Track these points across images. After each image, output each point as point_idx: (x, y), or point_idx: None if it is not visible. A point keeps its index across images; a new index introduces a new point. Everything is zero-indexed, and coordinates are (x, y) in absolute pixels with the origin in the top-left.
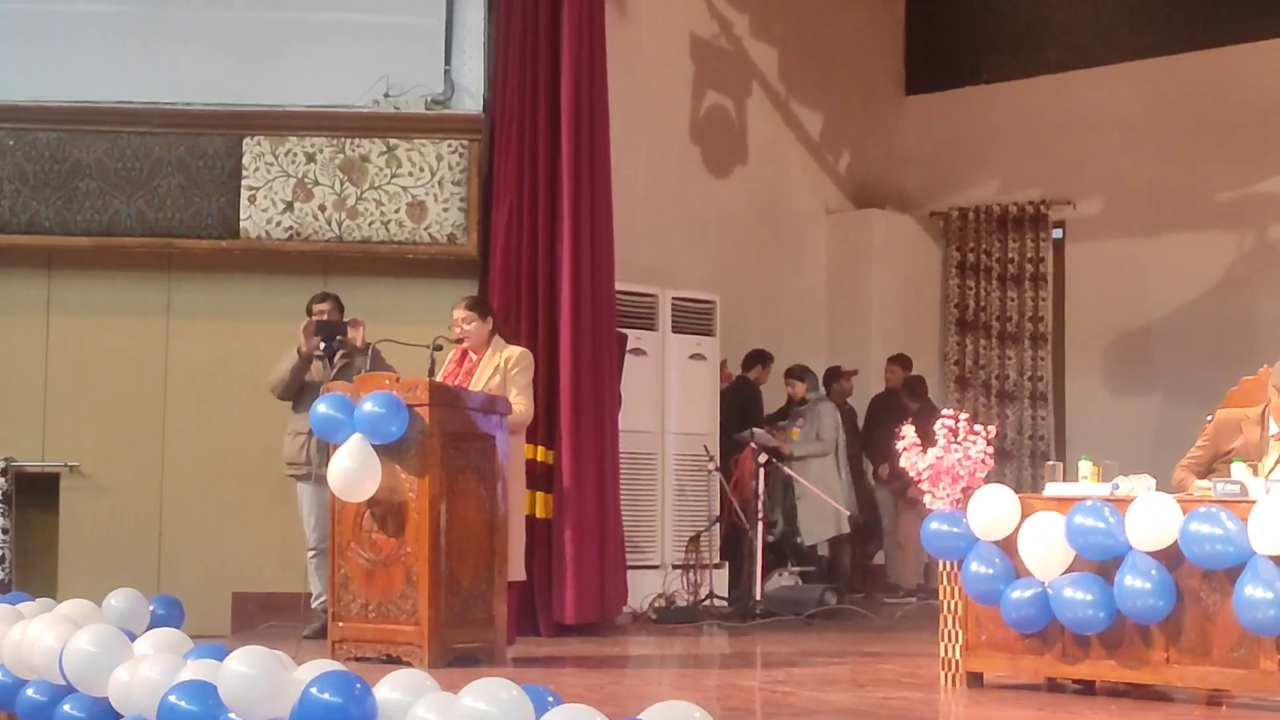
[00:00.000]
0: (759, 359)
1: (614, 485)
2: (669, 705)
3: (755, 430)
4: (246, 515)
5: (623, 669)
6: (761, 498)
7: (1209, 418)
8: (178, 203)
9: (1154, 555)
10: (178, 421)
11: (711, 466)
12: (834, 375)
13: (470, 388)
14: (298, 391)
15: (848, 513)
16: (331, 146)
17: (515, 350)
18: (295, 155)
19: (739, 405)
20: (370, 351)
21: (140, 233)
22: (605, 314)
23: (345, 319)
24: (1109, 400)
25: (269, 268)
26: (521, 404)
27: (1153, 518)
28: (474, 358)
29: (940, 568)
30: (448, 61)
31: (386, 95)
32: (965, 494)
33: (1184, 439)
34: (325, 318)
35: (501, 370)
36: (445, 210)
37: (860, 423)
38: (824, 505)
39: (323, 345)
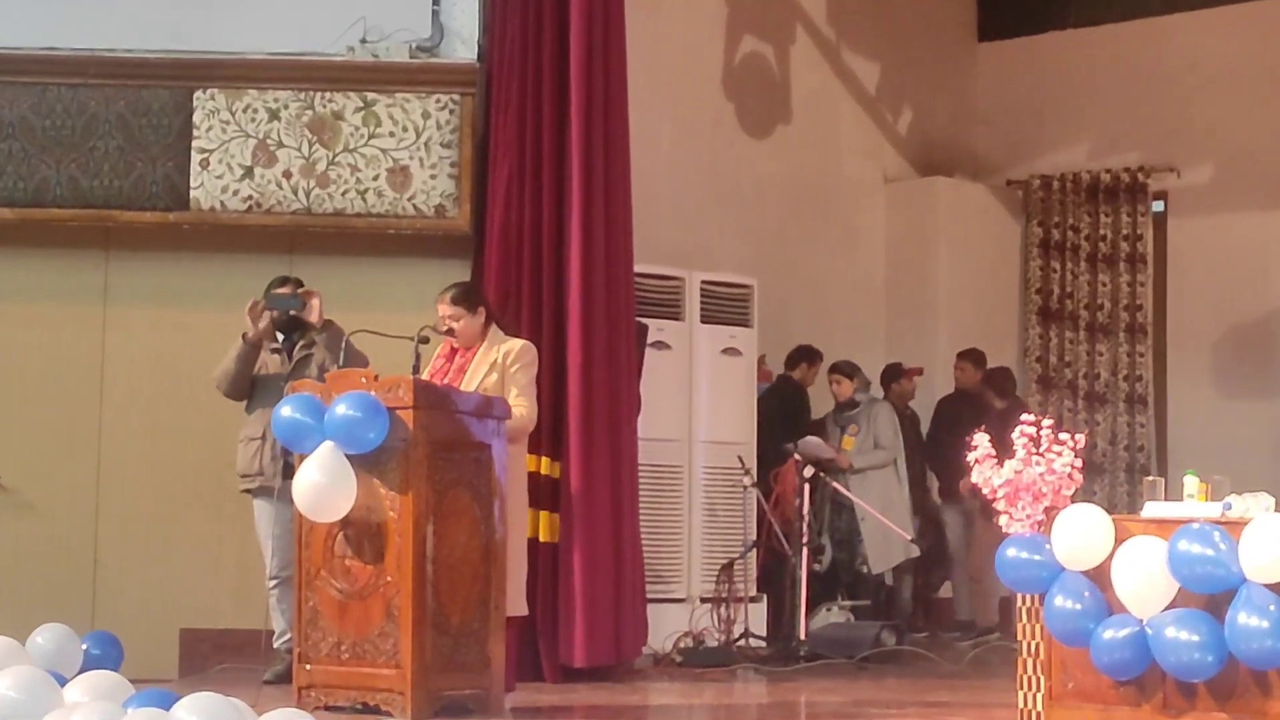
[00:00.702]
0: (804, 356)
1: (632, 503)
2: None
3: (809, 439)
4: (197, 538)
5: None
6: (807, 518)
7: None
8: (116, 168)
9: (1273, 588)
10: (116, 427)
11: (748, 482)
12: (893, 374)
13: (462, 387)
14: (249, 387)
15: (909, 536)
16: (298, 101)
17: (516, 344)
18: (255, 112)
19: (782, 410)
20: (344, 344)
21: (72, 204)
22: (622, 301)
23: (299, 290)
24: (1219, 404)
25: (224, 245)
26: (523, 407)
27: (1272, 544)
28: (465, 353)
29: (1018, 602)
30: (436, 1)
31: (364, 41)
32: (1048, 515)
33: None
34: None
35: (499, 367)
36: (433, 177)
37: (924, 430)
38: (884, 527)
39: (279, 334)
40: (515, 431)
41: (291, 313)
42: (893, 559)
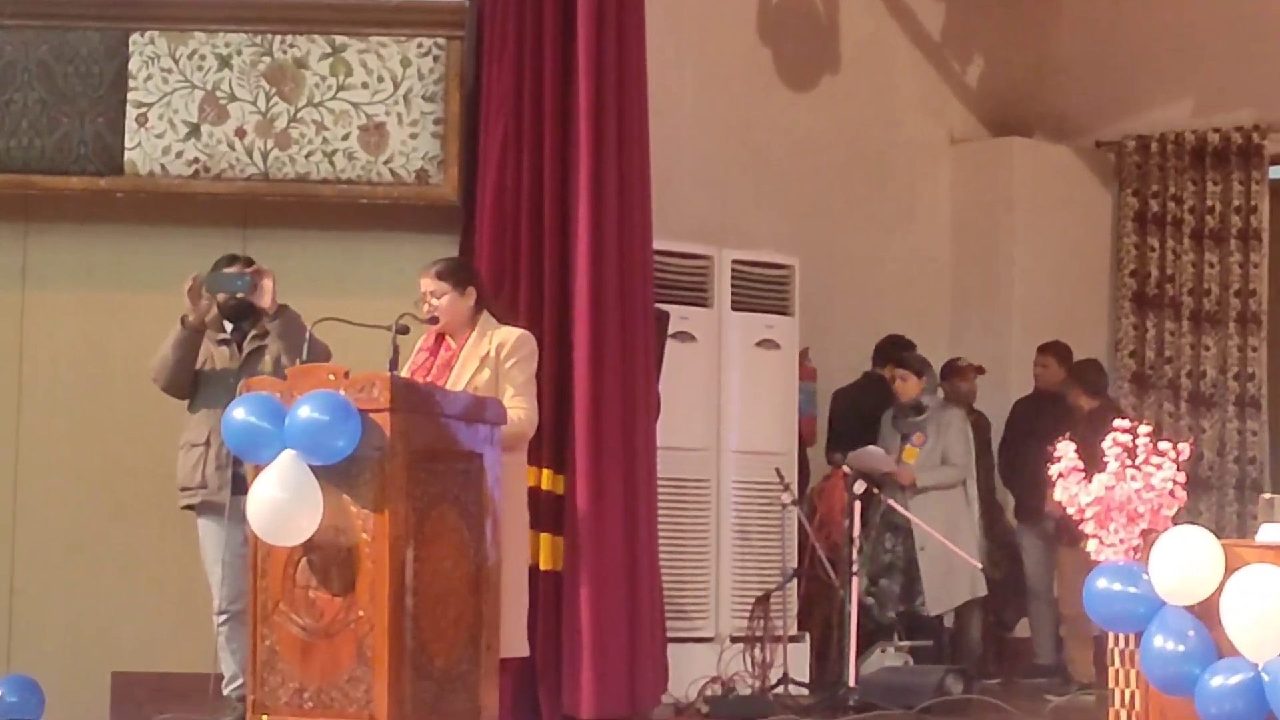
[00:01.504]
0: (896, 350)
1: (649, 525)
2: None
3: (868, 449)
4: (133, 563)
5: None
6: (857, 542)
7: None
8: (37, 125)
9: None
10: (36, 432)
11: (787, 499)
12: (949, 372)
13: (449, 385)
14: (192, 382)
15: (979, 565)
16: (254, 46)
17: (511, 333)
18: (203, 58)
19: (860, 417)
20: (307, 335)
21: None
22: (638, 284)
23: (248, 269)
24: None
25: (165, 217)
26: (521, 409)
27: None
28: (453, 344)
29: (1109, 643)
30: None
31: None
32: (1145, 539)
33: None
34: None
35: (492, 362)
36: (414, 137)
37: (996, 438)
38: (949, 556)
39: (226, 323)
40: (512, 438)
41: (239, 296)
42: (955, 598)
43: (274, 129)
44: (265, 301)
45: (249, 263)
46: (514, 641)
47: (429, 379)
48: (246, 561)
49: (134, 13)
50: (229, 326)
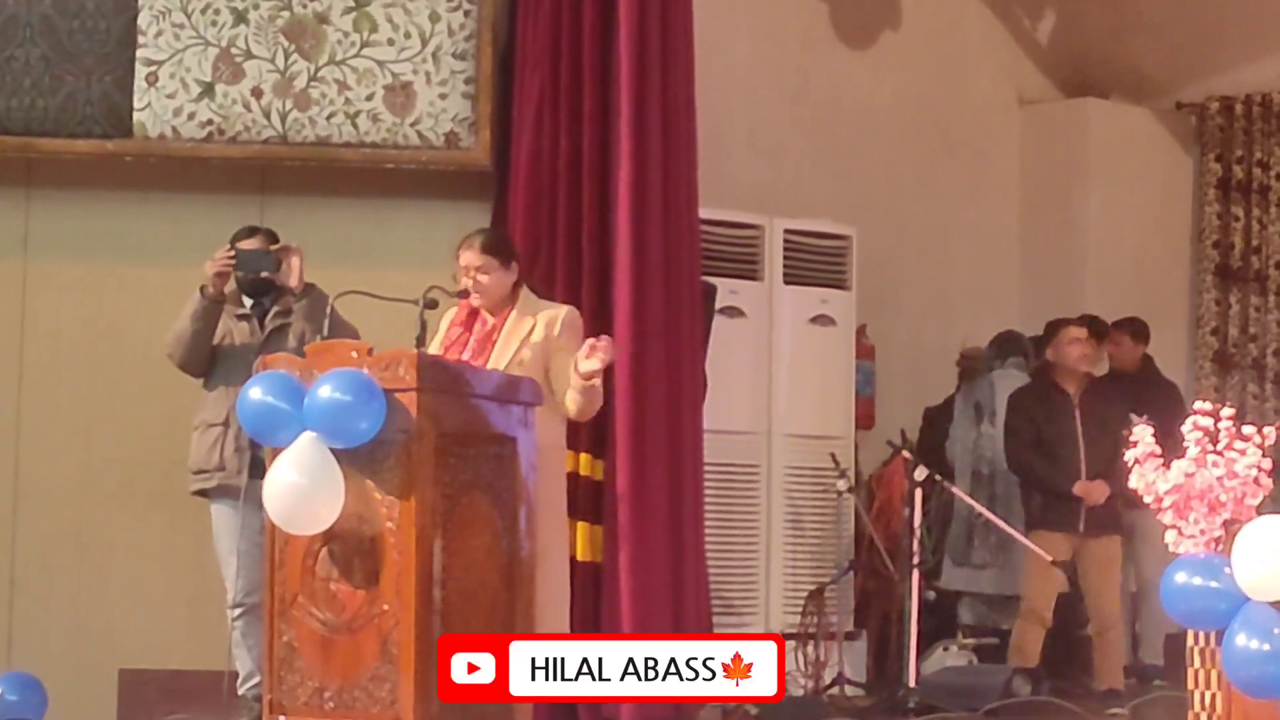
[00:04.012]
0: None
1: (695, 514)
2: None
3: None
4: (141, 553)
5: None
6: (918, 533)
7: None
8: (40, 84)
9: None
10: (38, 413)
11: (843, 486)
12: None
13: (490, 364)
14: (210, 358)
15: (1049, 558)
16: (272, 1)
17: (560, 311)
18: (217, 13)
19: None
20: (328, 310)
21: None
22: (684, 255)
23: (274, 246)
24: None
25: (177, 182)
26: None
27: None
28: (489, 320)
29: (1189, 641)
30: None
31: None
32: (1227, 530)
33: None
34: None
35: (538, 344)
36: (443, 97)
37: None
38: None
39: (246, 298)
40: (590, 412)
41: (264, 274)
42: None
43: (293, 89)
44: (293, 281)
45: (272, 236)
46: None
47: (465, 355)
48: (263, 551)
49: None
50: (248, 302)
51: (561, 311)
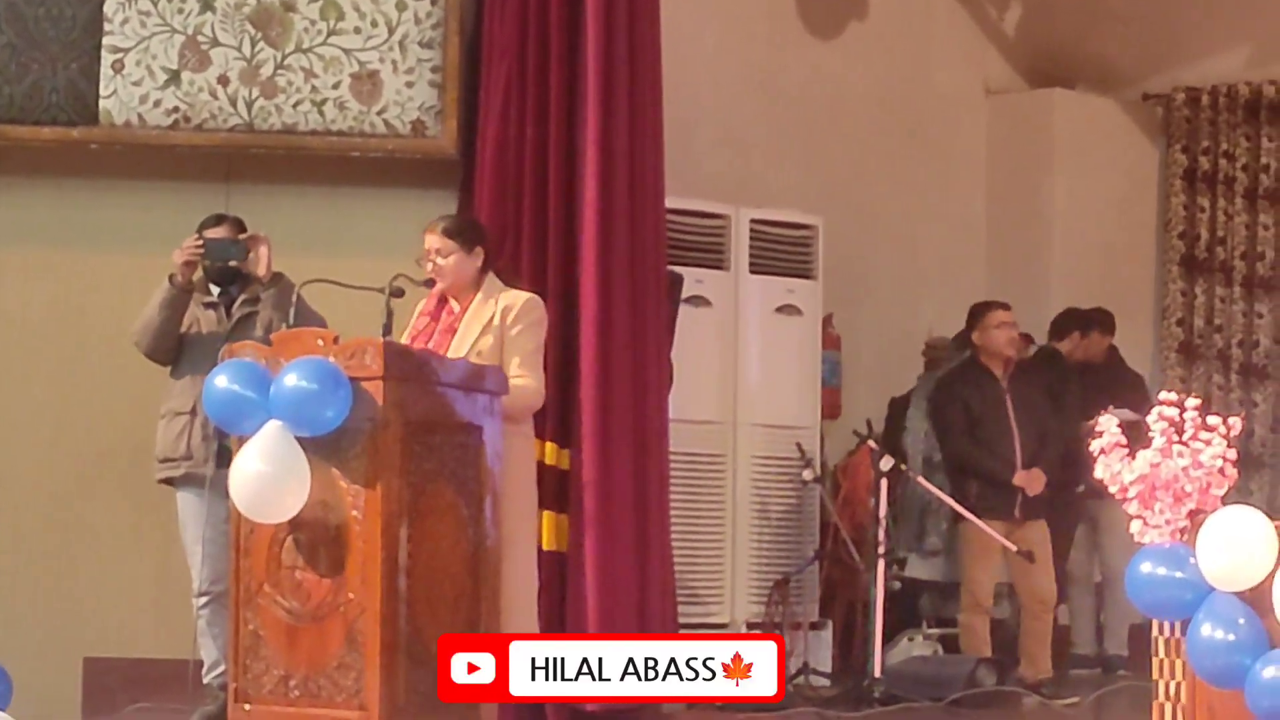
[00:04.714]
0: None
1: (660, 503)
2: None
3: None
4: (107, 541)
5: None
6: (884, 522)
7: None
8: (5, 71)
9: None
10: (3, 400)
11: (809, 476)
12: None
13: (449, 353)
14: (176, 346)
15: (1014, 548)
16: None
17: (518, 297)
18: (184, 1)
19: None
20: (294, 297)
21: None
22: (650, 245)
23: (242, 235)
24: None
25: (143, 170)
26: (528, 379)
27: None
28: (456, 308)
29: (1154, 631)
30: None
31: None
32: (1193, 520)
33: None
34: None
35: (496, 328)
36: (410, 86)
37: None
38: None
39: (213, 286)
40: (518, 411)
41: (231, 263)
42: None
43: (259, 76)
44: (260, 270)
45: (240, 225)
46: (523, 626)
47: (430, 345)
48: (229, 540)
49: None
50: (215, 290)
51: (519, 299)
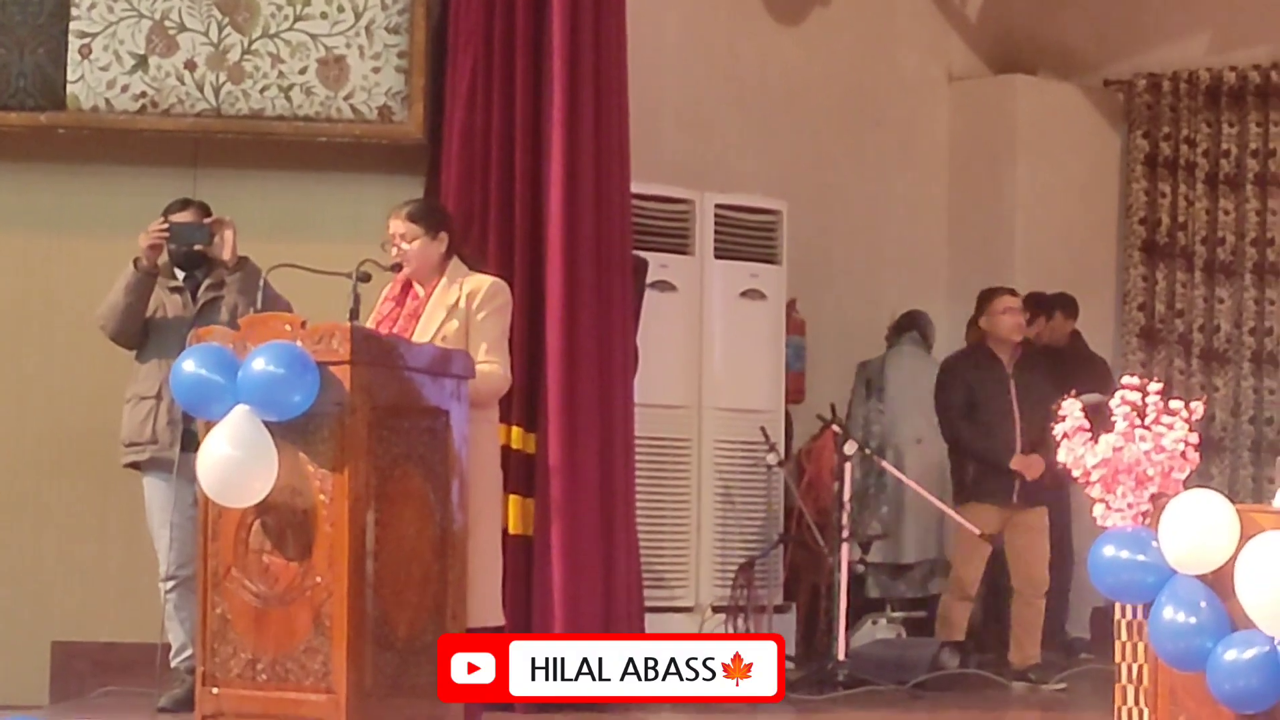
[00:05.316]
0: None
1: (626, 487)
2: None
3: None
4: (73, 525)
5: None
6: (848, 506)
7: None
8: None
9: None
10: None
11: (773, 460)
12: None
13: (414, 337)
14: (141, 330)
15: (977, 531)
16: None
17: (483, 281)
18: None
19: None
20: (261, 282)
21: None
22: (615, 229)
23: (207, 219)
24: None
25: (110, 155)
26: (493, 364)
27: None
28: (421, 293)
29: (1116, 614)
30: None
31: None
32: (1155, 504)
33: None
34: None
35: (461, 312)
36: (376, 71)
37: None
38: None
39: (178, 271)
40: (483, 396)
41: (197, 247)
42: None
43: (226, 61)
44: (225, 254)
45: (205, 210)
46: (487, 610)
47: (395, 330)
48: (196, 524)
49: None
50: (181, 275)
51: (484, 284)
